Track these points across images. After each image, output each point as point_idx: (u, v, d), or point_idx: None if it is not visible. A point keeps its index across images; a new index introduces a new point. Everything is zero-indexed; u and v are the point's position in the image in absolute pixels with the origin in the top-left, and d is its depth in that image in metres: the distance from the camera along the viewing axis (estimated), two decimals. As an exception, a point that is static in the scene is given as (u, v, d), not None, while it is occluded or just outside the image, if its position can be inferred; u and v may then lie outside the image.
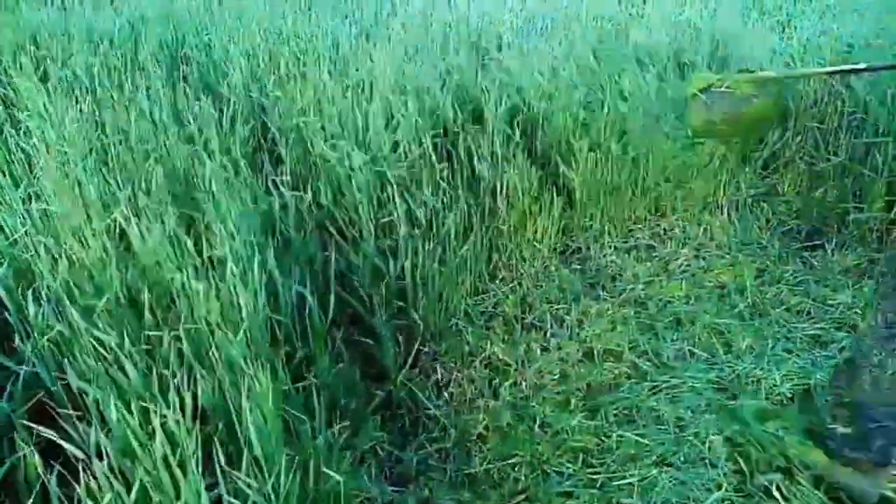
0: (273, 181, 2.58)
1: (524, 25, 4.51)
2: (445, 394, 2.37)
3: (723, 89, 2.93)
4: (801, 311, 2.72)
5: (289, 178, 2.65)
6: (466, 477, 2.05)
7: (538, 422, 2.22)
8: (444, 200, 2.73)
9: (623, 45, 4.01)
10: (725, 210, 3.36)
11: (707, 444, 2.08)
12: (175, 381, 1.42)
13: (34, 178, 2.48)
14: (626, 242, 3.21)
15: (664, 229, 3.30)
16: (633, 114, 3.30)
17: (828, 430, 1.92)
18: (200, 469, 1.31)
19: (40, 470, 1.36)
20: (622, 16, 4.76)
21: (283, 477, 1.35)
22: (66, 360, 1.59)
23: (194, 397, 1.46)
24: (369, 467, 2.02)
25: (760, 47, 3.97)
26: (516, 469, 2.07)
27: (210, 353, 1.53)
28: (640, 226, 3.33)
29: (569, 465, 2.06)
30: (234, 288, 1.70)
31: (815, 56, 3.77)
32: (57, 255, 1.94)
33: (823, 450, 1.93)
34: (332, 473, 1.52)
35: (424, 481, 2.03)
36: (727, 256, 3.08)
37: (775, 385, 2.29)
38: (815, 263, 3.00)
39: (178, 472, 1.30)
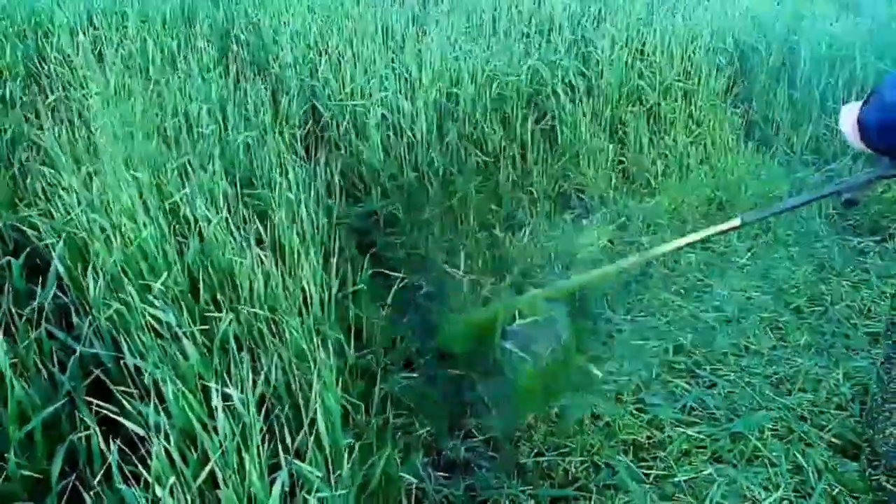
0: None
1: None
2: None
3: (522, 323, 2.16)
4: (863, 309, 2.62)
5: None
6: (515, 467, 2.03)
7: (589, 413, 2.18)
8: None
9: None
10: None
11: (764, 442, 2.02)
12: (237, 361, 1.42)
13: (91, 156, 2.51)
14: (681, 235, 3.12)
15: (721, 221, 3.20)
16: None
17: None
18: (266, 450, 1.31)
19: (102, 446, 1.38)
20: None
21: (345, 462, 1.34)
22: (122, 337, 1.60)
23: (254, 380, 1.45)
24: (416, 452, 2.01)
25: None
26: (566, 460, 2.03)
27: (273, 336, 1.53)
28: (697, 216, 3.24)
29: (620, 458, 2.02)
30: (301, 272, 1.69)
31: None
32: (112, 234, 1.96)
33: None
34: (410, 477, 1.50)
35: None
36: (785, 250, 2.98)
37: (837, 384, 2.21)
38: (879, 260, 2.89)
39: (244, 454, 1.29)
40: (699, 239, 2.08)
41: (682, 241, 2.11)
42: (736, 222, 1.94)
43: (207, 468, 1.24)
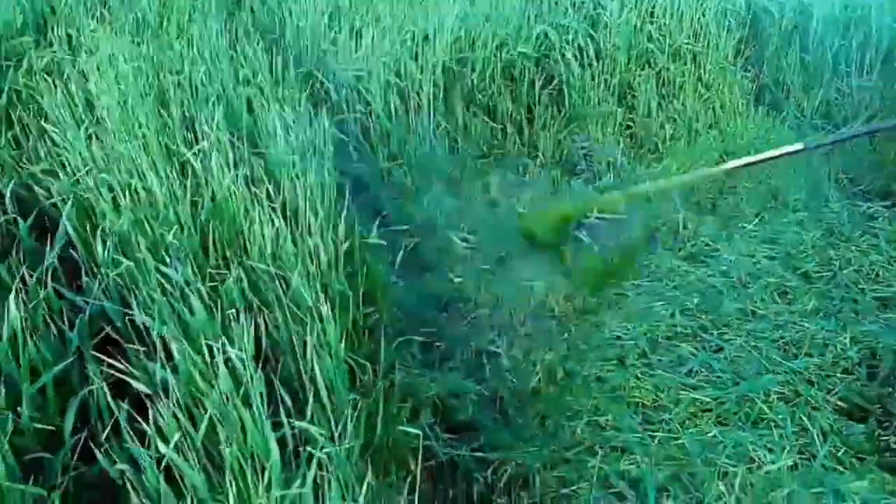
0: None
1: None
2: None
3: (598, 217, 2.45)
4: (871, 274, 2.60)
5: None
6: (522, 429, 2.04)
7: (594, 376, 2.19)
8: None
9: None
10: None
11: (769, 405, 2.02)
12: (239, 319, 1.42)
13: (95, 118, 2.49)
14: (687, 199, 3.09)
15: (727, 185, 3.18)
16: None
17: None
18: (266, 409, 1.32)
19: (110, 402, 1.39)
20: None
21: (349, 422, 1.34)
22: (132, 295, 1.60)
23: (257, 338, 1.46)
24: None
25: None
26: (572, 422, 2.04)
27: (277, 293, 1.53)
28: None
29: (626, 420, 2.03)
30: (308, 228, 1.68)
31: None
32: (121, 193, 1.95)
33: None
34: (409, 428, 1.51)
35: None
36: (792, 214, 2.96)
37: (844, 348, 2.21)
38: (889, 225, 2.86)
39: (244, 411, 1.30)
40: (762, 160, 2.33)
41: (745, 160, 2.40)
42: (799, 146, 2.01)
43: (203, 424, 1.24)
